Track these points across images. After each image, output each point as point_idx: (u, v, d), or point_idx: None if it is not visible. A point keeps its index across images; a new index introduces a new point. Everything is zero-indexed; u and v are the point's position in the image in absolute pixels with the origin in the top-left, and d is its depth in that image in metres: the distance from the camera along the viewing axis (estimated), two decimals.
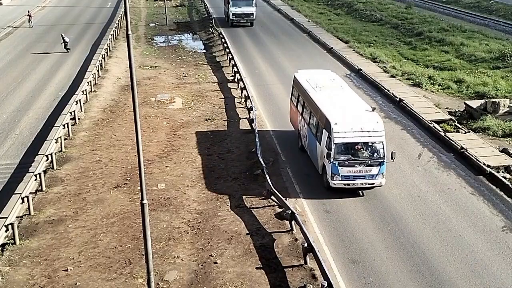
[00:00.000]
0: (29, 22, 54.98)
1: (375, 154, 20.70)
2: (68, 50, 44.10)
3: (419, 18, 56.35)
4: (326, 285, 14.86)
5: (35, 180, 21.53)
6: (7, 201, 20.21)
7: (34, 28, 54.29)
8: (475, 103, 30.06)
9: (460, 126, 27.84)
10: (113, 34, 48.02)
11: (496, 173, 22.51)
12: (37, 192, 21.59)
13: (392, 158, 20.69)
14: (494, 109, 28.62)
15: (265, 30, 54.29)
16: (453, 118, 28.99)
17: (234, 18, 53.66)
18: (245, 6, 53.09)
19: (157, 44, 50.67)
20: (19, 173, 23.15)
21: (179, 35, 54.80)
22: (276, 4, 69.20)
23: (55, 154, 24.33)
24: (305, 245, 16.75)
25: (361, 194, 21.10)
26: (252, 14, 53.42)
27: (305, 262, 16.80)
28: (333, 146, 20.32)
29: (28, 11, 56.18)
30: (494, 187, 21.79)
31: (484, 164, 23.14)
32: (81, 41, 48.60)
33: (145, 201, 13.86)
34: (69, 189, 22.01)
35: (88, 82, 33.73)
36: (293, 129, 26.36)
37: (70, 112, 28.53)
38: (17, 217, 19.16)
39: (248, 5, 53.22)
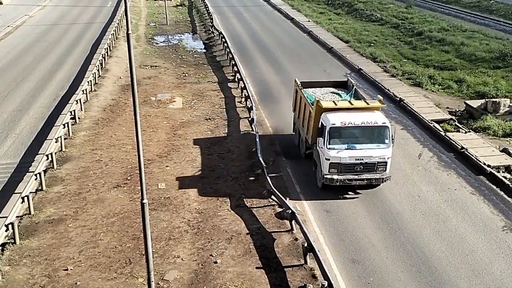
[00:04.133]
0: None
1: None
2: None
3: (420, 18, 56.31)
4: (326, 285, 14.86)
5: (35, 179, 21.53)
6: (7, 201, 20.25)
7: (35, 28, 54.25)
8: (475, 103, 30.05)
9: (460, 126, 27.83)
10: (113, 33, 48.00)
11: (496, 173, 22.50)
12: (37, 192, 21.60)
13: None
14: (494, 108, 28.62)
15: (265, 29, 54.29)
16: (453, 117, 28.98)
17: (337, 177, 20.83)
18: (369, 144, 21.06)
19: (157, 43, 50.66)
20: (19, 173, 23.17)
21: (179, 35, 54.79)
22: (276, 3, 69.18)
23: (55, 153, 24.34)
24: (305, 244, 16.76)
25: None
26: (385, 163, 20.98)
27: (305, 262, 16.80)
28: None
29: None
30: (494, 187, 21.78)
31: (485, 163, 23.13)
32: (81, 41, 48.58)
33: (145, 201, 13.87)
34: (69, 188, 22.01)
35: (88, 82, 33.73)
36: (292, 130, 26.20)
37: (70, 112, 28.53)
38: (17, 216, 19.17)
39: (376, 141, 21.16)
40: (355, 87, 24.69)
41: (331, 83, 26.39)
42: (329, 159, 20.65)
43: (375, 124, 20.99)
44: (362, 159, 20.73)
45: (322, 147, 21.01)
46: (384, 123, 21.12)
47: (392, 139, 21.10)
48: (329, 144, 20.66)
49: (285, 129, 27.22)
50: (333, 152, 20.64)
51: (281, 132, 27.19)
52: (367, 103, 22.15)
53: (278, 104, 31.58)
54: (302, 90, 24.31)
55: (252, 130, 27.18)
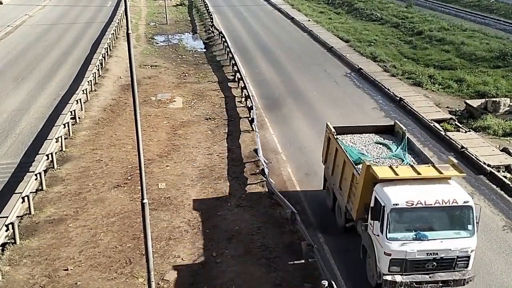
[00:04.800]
0: None
1: None
2: None
3: (420, 17, 56.29)
4: (326, 284, 14.85)
5: (36, 179, 21.54)
6: (7, 201, 20.26)
7: (35, 28, 54.24)
8: (475, 102, 30.04)
9: (460, 125, 27.83)
10: (113, 33, 47.98)
11: (496, 172, 22.51)
12: (37, 192, 21.60)
13: None
14: (494, 108, 28.62)
15: (265, 29, 54.27)
16: (453, 117, 28.99)
17: (401, 278, 14.69)
18: (446, 232, 14.84)
19: (157, 43, 50.64)
20: (20, 173, 23.17)
21: (179, 34, 54.76)
22: (276, 3, 69.15)
23: (56, 153, 24.34)
24: (305, 244, 16.75)
25: None
26: (467, 257, 14.80)
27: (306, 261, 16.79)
28: None
29: None
30: (494, 186, 21.79)
31: (485, 163, 23.13)
32: (81, 41, 48.56)
33: (145, 201, 13.87)
34: (70, 188, 22.02)
35: (88, 82, 33.73)
36: (293, 129, 26.17)
37: (71, 112, 28.53)
38: (17, 216, 19.18)
39: (455, 227, 14.97)
40: (406, 135, 18.75)
41: (373, 128, 20.21)
42: (389, 254, 14.48)
43: (454, 204, 14.72)
44: (437, 254, 14.59)
45: (378, 235, 14.80)
46: (467, 202, 14.77)
47: (477, 222, 14.84)
48: (389, 232, 14.48)
49: (284, 137, 27.20)
50: (395, 245, 14.43)
51: (283, 141, 27.02)
52: (440, 171, 15.49)
53: (279, 104, 31.58)
54: (337, 140, 18.57)
55: (252, 129, 27.24)
